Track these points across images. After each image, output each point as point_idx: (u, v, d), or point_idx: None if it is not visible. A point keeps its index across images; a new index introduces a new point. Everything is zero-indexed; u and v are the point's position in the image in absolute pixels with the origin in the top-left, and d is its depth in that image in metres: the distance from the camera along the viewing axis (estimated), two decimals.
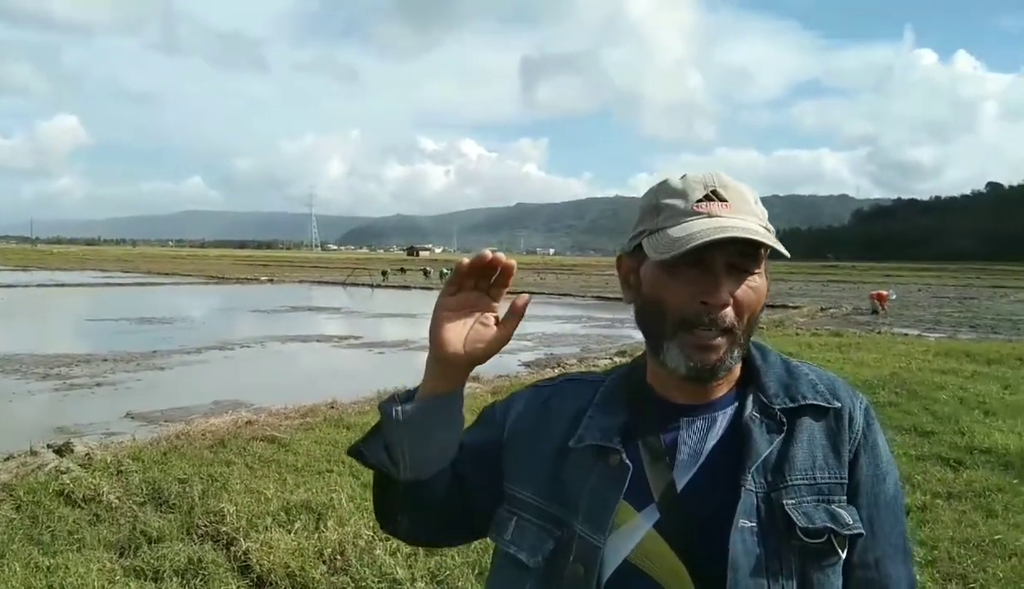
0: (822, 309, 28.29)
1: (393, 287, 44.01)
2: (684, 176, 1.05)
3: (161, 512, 4.93)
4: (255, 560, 4.12)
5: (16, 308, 26.13)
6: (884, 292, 28.73)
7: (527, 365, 13.92)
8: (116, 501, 5.07)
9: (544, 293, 39.57)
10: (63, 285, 38.87)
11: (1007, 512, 4.99)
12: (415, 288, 43.21)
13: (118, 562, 4.18)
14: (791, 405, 1.06)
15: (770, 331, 18.48)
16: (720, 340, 1.00)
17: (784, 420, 1.05)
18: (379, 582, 3.89)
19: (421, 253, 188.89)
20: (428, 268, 60.32)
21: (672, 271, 1.00)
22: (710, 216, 1.00)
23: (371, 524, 4.55)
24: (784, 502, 0.99)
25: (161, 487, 5.28)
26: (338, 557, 4.17)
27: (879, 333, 19.32)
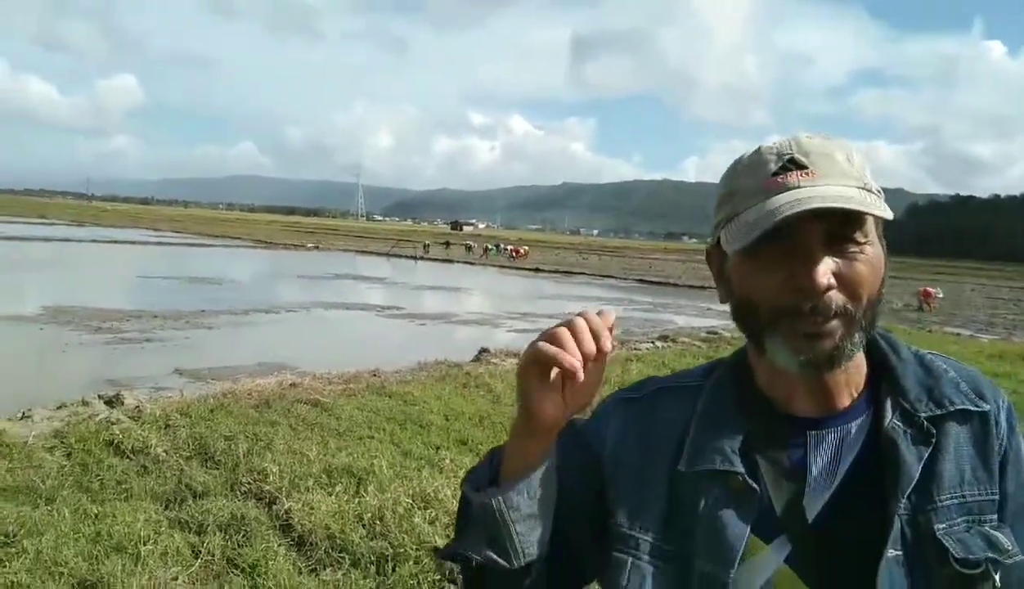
0: None
1: (435, 260, 44.22)
2: (758, 148, 0.91)
3: (207, 468, 5.02)
4: (296, 520, 4.17)
5: (71, 262, 26.87)
6: (931, 290, 28.05)
7: None
8: (163, 454, 5.17)
9: (586, 273, 39.40)
10: (116, 241, 39.86)
11: None
12: (458, 262, 43.37)
13: (164, 513, 4.27)
14: (937, 412, 0.90)
15: None
16: (833, 324, 0.84)
17: (933, 430, 0.89)
18: (417, 550, 3.90)
19: (465, 228, 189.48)
20: (471, 243, 60.46)
21: (759, 259, 0.85)
22: (787, 189, 0.84)
23: (410, 491, 4.57)
24: (935, 527, 0.86)
25: (207, 443, 5.38)
26: (377, 522, 4.19)
27: (930, 331, 18.85)
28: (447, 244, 60.28)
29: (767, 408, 0.94)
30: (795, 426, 0.92)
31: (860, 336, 0.87)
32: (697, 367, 1.05)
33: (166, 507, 4.39)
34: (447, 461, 5.35)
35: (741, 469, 0.90)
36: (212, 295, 18.66)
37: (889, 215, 0.84)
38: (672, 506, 0.93)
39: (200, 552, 3.82)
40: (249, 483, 4.70)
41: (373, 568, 3.79)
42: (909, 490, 0.86)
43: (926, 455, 0.88)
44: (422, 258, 44.88)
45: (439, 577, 3.74)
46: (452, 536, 0.94)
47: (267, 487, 4.60)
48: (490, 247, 55.28)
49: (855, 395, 0.93)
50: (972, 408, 0.92)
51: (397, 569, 3.75)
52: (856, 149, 0.89)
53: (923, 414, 0.90)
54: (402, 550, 3.90)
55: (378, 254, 46.64)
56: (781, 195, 0.84)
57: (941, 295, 28.53)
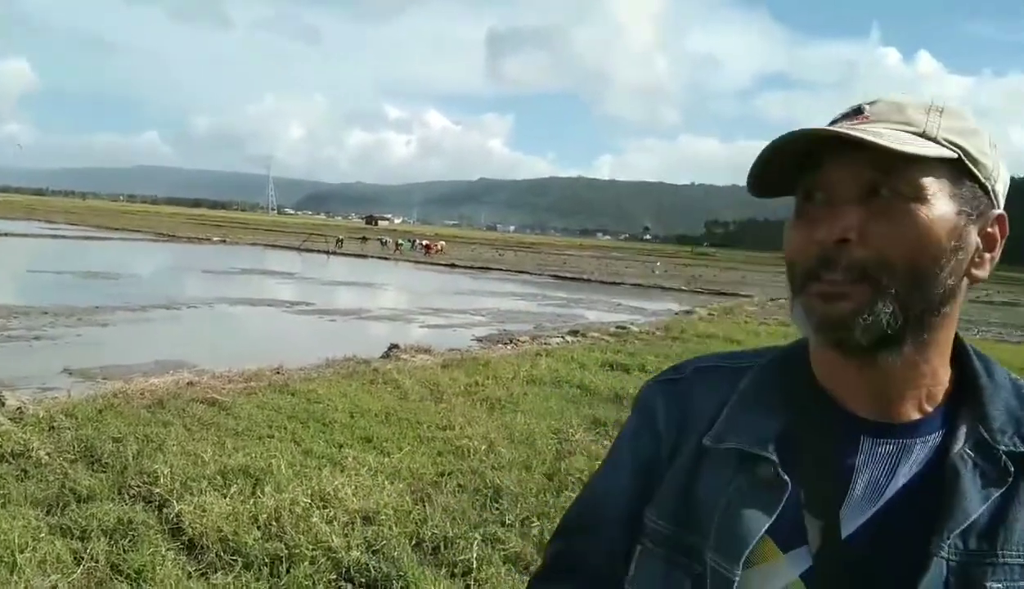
0: (772, 299, 28.82)
1: (348, 255, 43.53)
2: None
3: (93, 471, 4.80)
4: (188, 523, 4.04)
5: None
6: None
7: (480, 340, 13.91)
8: (46, 457, 4.92)
9: (502, 269, 39.58)
10: (5, 234, 37.58)
11: None
12: (372, 257, 42.82)
13: (44, 519, 4.06)
14: (1023, 449, 0.76)
15: (720, 319, 18.75)
16: (851, 288, 0.72)
17: (1011, 468, 0.75)
18: (313, 549, 3.84)
19: (380, 223, 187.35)
20: (386, 238, 59.79)
21: (800, 217, 0.77)
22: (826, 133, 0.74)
23: (309, 491, 4.50)
24: (988, 584, 0.72)
25: (94, 445, 5.14)
26: (273, 523, 4.11)
27: None
28: (363, 239, 59.36)
29: (820, 399, 0.81)
30: (849, 425, 0.79)
31: (891, 308, 0.72)
32: (749, 349, 0.95)
33: (47, 512, 4.18)
34: (350, 459, 5.28)
35: (774, 456, 0.78)
36: (108, 290, 17.82)
37: (902, 149, 0.69)
38: (692, 484, 0.83)
39: (83, 559, 3.65)
40: (138, 486, 4.52)
41: (267, 569, 3.70)
42: (959, 530, 0.72)
43: (995, 496, 0.74)
44: (335, 253, 44.10)
45: (335, 576, 3.70)
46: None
47: (157, 490, 4.43)
48: (402, 242, 54.39)
49: (928, 409, 0.79)
50: None
51: (292, 570, 3.68)
52: (962, 112, 0.76)
53: (1003, 448, 0.76)
54: (298, 551, 3.83)
55: (289, 249, 45.58)
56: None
57: None
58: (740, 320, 18.78)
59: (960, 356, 0.82)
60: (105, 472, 4.76)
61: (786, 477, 0.77)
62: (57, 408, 5.97)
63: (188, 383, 7.20)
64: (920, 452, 0.77)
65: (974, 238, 0.75)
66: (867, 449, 0.78)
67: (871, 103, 0.76)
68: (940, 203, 0.72)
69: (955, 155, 0.72)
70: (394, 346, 10.83)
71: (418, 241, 56.77)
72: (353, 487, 4.66)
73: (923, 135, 0.73)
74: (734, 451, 0.81)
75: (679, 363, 0.95)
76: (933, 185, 0.72)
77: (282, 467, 4.88)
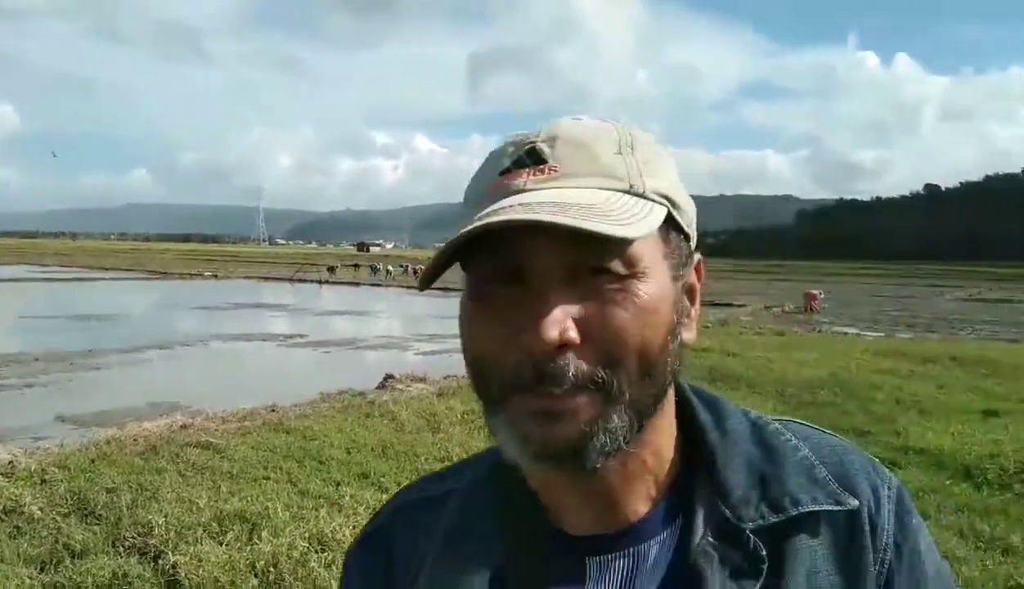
0: (766, 307, 28.90)
1: (341, 283, 43.50)
2: (510, 136, 0.63)
3: (86, 524, 4.73)
4: (184, 574, 3.97)
5: None
6: (814, 292, 29.80)
7: None
8: (39, 512, 4.85)
9: None
10: None
11: (939, 513, 5.11)
12: (364, 284, 42.79)
13: (38, 578, 4.00)
14: (773, 519, 0.61)
15: (714, 330, 18.74)
16: (576, 401, 0.55)
17: (762, 552, 0.60)
18: None
19: (372, 249, 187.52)
20: (377, 264, 59.79)
21: (485, 298, 0.58)
22: (508, 193, 0.58)
23: (307, 534, 4.44)
24: None
25: (87, 497, 5.07)
26: (271, 570, 4.05)
27: (819, 332, 19.79)
28: (356, 266, 59.34)
29: (536, 521, 0.65)
30: (570, 551, 0.63)
31: (627, 419, 0.57)
32: (460, 462, 0.78)
33: (41, 570, 4.11)
34: (347, 498, 5.21)
35: None
36: (100, 333, 17.75)
37: (635, 232, 0.54)
38: None
39: None
40: (133, 538, 4.45)
41: None
42: None
43: None
44: (327, 282, 44.09)
45: None
46: None
47: (152, 541, 4.37)
48: (391, 269, 54.15)
49: (655, 495, 0.64)
50: (833, 507, 0.62)
51: None
52: (648, 140, 0.62)
53: (749, 525, 0.60)
54: None
55: (281, 280, 45.54)
56: (497, 203, 0.57)
57: (823, 296, 30.24)
58: (735, 331, 18.77)
59: (683, 407, 0.66)
60: (99, 525, 4.69)
61: None
62: (49, 460, 5.90)
63: (182, 426, 7.13)
64: (660, 554, 0.62)
65: (685, 299, 0.63)
66: (596, 573, 0.62)
67: (549, 141, 0.59)
68: (658, 273, 0.58)
69: (665, 211, 0.59)
70: (389, 376, 10.77)
71: (409, 266, 56.78)
72: (351, 527, 4.59)
73: (630, 191, 0.58)
74: None
75: (379, 508, 0.78)
76: (647, 253, 0.57)
77: (279, 510, 4.82)
